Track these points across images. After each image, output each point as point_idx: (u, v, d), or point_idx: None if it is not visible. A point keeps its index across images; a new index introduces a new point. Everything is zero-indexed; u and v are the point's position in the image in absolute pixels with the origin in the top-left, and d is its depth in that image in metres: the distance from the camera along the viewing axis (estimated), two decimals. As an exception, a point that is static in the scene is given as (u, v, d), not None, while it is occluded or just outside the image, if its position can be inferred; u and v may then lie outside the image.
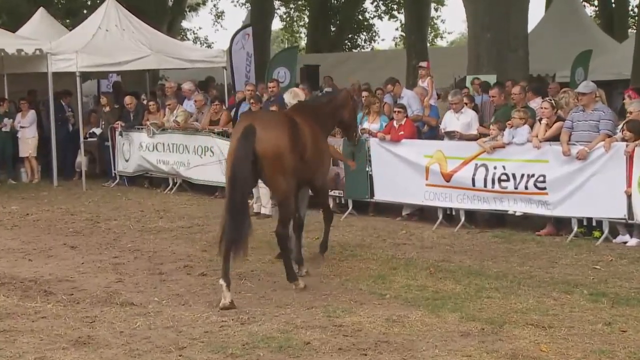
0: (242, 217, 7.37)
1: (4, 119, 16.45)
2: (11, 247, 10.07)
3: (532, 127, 10.68)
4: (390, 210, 12.21)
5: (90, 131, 17.00)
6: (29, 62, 15.94)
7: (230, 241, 7.32)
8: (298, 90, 9.96)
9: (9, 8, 24.48)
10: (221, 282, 7.33)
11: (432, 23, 35.39)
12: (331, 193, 12.28)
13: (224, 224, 7.39)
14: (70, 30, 19.27)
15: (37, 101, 17.64)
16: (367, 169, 11.94)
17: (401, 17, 33.22)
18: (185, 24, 38.49)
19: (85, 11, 25.40)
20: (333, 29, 33.51)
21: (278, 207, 8.24)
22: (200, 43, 40.59)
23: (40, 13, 19.93)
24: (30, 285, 8.06)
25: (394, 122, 11.98)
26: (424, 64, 14.44)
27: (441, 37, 40.01)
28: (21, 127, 16.68)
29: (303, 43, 39.27)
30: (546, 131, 10.42)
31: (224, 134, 14.17)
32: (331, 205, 12.29)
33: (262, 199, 12.43)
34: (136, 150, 15.63)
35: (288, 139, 7.70)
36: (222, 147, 13.93)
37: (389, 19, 35.63)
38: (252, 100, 13.22)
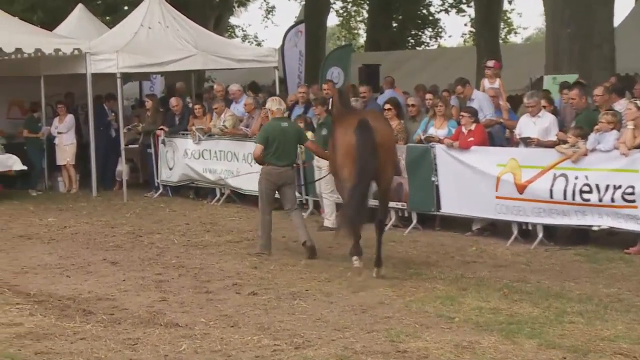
0: (364, 203, 9.28)
1: (40, 126, 16.76)
2: (48, 262, 10.29)
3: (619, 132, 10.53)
4: (459, 224, 12.13)
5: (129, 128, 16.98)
6: (66, 62, 16.27)
7: (352, 222, 9.09)
8: (279, 98, 11.35)
9: (45, 5, 25.02)
10: (355, 260, 9.18)
11: (506, 17, 35.08)
12: (394, 205, 12.29)
13: (346, 210, 9.22)
14: (111, 28, 19.60)
15: (75, 105, 17.98)
16: (432, 179, 11.89)
17: (470, 11, 33.03)
18: (233, 20, 38.93)
19: (126, 7, 25.84)
20: (394, 25, 33.45)
21: (385, 195, 9.72)
22: (250, 41, 40.97)
23: (79, 10, 20.33)
24: (68, 303, 8.22)
25: (463, 128, 11.91)
26: (490, 63, 14.34)
27: (515, 33, 39.68)
28: (58, 132, 16.98)
29: (361, 40, 39.35)
30: (635, 137, 10.24)
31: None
32: (393, 219, 12.40)
33: (326, 209, 12.49)
34: (181, 158, 15.81)
35: (393, 131, 9.44)
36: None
37: (456, 13, 35.43)
38: (315, 103, 13.19)
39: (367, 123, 9.20)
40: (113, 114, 17.13)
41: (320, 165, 12.26)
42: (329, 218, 12.49)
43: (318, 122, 12.72)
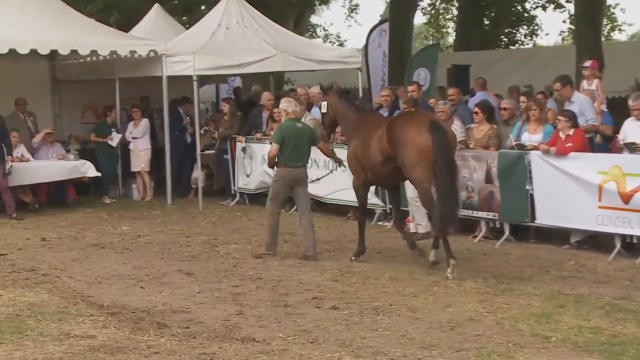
0: (454, 196, 10.26)
1: (112, 130, 17.15)
2: (122, 272, 10.51)
3: None
4: (556, 236, 11.96)
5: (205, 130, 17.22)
6: (142, 64, 16.58)
7: (445, 220, 10.04)
8: (294, 100, 12.10)
9: (121, 5, 25.60)
10: (451, 261, 9.86)
11: (609, 13, 34.39)
12: (484, 215, 12.18)
13: (437, 210, 10.09)
14: (188, 28, 19.92)
15: (150, 109, 18.31)
16: (527, 188, 11.73)
17: (570, 6, 32.47)
18: (314, 19, 39.18)
19: (203, 7, 26.27)
20: (486, 23, 33.15)
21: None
22: (332, 41, 41.15)
23: (155, 10, 20.74)
24: (142, 316, 8.38)
25: (560, 132, 11.72)
26: (587, 62, 14.10)
27: (620, 30, 38.77)
28: (133, 137, 17.29)
29: (451, 39, 39.11)
30: None
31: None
32: (484, 230, 12.28)
33: (416, 215, 12.49)
34: (259, 164, 15.94)
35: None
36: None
37: (554, 9, 34.87)
38: (405, 105, 13.17)
39: (440, 123, 10.50)
40: (189, 118, 17.38)
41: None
42: (421, 223, 12.52)
43: None
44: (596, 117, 12.59)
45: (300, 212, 11.48)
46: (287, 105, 11.54)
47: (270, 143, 11.70)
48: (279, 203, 11.58)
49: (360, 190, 11.31)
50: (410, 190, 12.34)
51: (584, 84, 13.45)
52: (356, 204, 14.03)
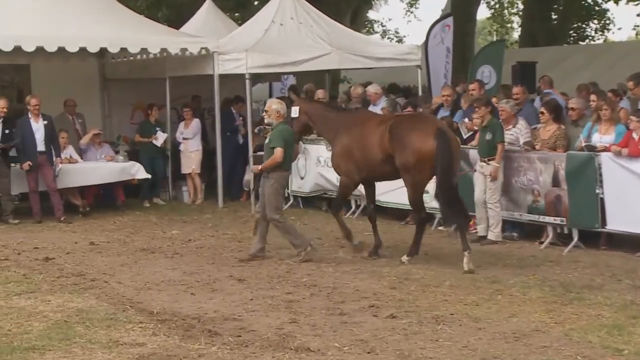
0: (459, 201, 10.99)
1: (157, 130, 17.30)
2: (172, 278, 10.61)
3: None
4: (628, 243, 11.77)
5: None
6: (193, 63, 16.72)
7: (458, 227, 10.83)
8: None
9: (171, 1, 25.82)
10: (466, 253, 10.67)
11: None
12: (551, 220, 12.06)
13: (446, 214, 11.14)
14: (240, 25, 20.03)
15: (201, 109, 18.44)
16: (597, 191, 11.59)
17: (645, -1, 32.01)
18: (372, 14, 39.17)
19: (256, 3, 26.40)
20: (554, 17, 32.82)
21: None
22: (390, 37, 41.09)
23: (207, 6, 20.91)
24: (193, 323, 8.45)
25: (633, 133, 11.56)
26: None
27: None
28: (184, 138, 17.44)
29: (516, 35, 38.79)
30: None
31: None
32: (550, 236, 12.15)
33: (491, 221, 12.45)
34: (313, 166, 15.99)
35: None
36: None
37: (627, 3, 34.39)
38: (475, 105, 13.05)
39: (445, 130, 11.08)
40: (241, 119, 17.47)
41: (484, 171, 12.55)
42: (494, 230, 12.48)
43: (481, 125, 12.61)
44: None
45: (269, 214, 11.52)
46: (279, 107, 11.70)
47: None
48: (280, 208, 11.95)
49: (350, 189, 12.10)
50: (489, 194, 12.28)
51: None
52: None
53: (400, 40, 40.67)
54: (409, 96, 18.59)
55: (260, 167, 11.62)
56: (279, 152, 11.37)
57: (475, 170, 12.86)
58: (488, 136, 12.40)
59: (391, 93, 18.95)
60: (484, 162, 12.51)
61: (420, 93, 18.11)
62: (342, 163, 11.73)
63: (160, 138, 17.18)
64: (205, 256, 12.00)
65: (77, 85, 17.70)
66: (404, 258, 11.23)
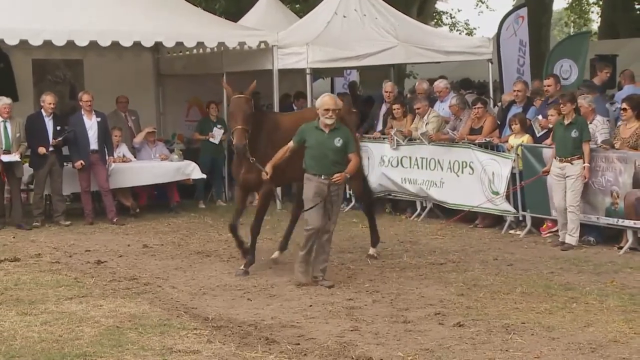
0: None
1: (214, 127, 17.36)
2: (228, 283, 10.70)
3: None
4: None
5: None
6: (251, 57, 16.81)
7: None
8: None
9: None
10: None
11: None
12: (631, 224, 11.91)
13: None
14: (301, 17, 20.09)
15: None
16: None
17: None
18: (440, 5, 38.97)
19: (318, -7, 26.44)
20: (637, 7, 32.33)
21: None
22: (459, 30, 40.87)
23: (267, -2, 21.01)
24: (249, 330, 8.51)
25: None
26: None
27: None
28: (242, 137, 17.56)
29: (595, 26, 38.28)
30: None
31: (488, 146, 14.17)
32: (631, 240, 11.99)
33: (570, 225, 12.38)
34: (376, 165, 15.98)
35: None
36: (485, 162, 13.94)
37: None
38: (562, 100, 12.90)
39: None
40: None
41: (566, 172, 12.40)
42: (573, 235, 12.37)
43: (563, 122, 12.43)
44: None
45: (332, 226, 10.76)
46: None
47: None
48: None
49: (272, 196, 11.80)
50: (571, 197, 12.17)
51: None
52: (484, 210, 14.05)
53: (470, 33, 40.42)
54: (483, 92, 18.49)
55: (347, 173, 10.41)
56: (358, 157, 10.95)
57: (547, 173, 12.74)
58: (574, 134, 12.22)
59: (463, 88, 18.84)
60: (568, 162, 12.32)
61: (491, 89, 18.03)
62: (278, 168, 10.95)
63: (217, 135, 17.30)
64: (262, 260, 12.04)
65: (130, 81, 17.92)
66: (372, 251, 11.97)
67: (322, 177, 10.32)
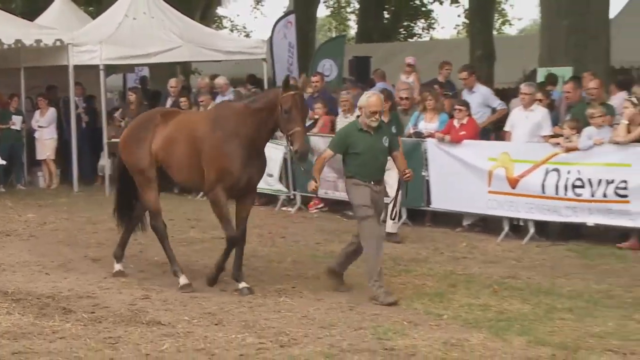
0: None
1: (12, 116, 16.75)
2: (27, 259, 10.27)
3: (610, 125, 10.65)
4: (449, 220, 12.19)
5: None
6: (48, 54, 16.24)
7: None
8: None
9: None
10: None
11: (500, 8, 35.15)
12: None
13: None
14: (94, 18, 19.57)
15: (57, 98, 17.92)
16: (423, 174, 11.92)
17: (464, 1, 33.09)
18: (220, 10, 38.86)
19: (109, -3, 25.77)
20: (387, 16, 33.48)
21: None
22: (238, 32, 40.91)
23: (61, 0, 20.28)
24: (47, 302, 8.22)
25: (455, 121, 11.95)
26: (410, 59, 14.90)
27: (509, 24, 39.71)
28: (39, 126, 17.00)
29: (352, 32, 39.33)
30: (629, 131, 10.30)
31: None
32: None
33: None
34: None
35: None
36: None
37: (450, 4, 35.47)
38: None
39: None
40: (84, 107, 17.29)
41: None
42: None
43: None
44: (503, 102, 13.07)
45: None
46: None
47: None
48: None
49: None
50: None
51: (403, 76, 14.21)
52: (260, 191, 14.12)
53: (247, 35, 40.54)
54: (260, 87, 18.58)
55: (409, 172, 8.42)
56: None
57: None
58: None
59: (249, 84, 18.85)
60: None
61: (266, 85, 18.16)
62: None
63: (17, 122, 16.76)
64: (60, 238, 11.67)
65: None
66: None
67: (372, 183, 8.31)
